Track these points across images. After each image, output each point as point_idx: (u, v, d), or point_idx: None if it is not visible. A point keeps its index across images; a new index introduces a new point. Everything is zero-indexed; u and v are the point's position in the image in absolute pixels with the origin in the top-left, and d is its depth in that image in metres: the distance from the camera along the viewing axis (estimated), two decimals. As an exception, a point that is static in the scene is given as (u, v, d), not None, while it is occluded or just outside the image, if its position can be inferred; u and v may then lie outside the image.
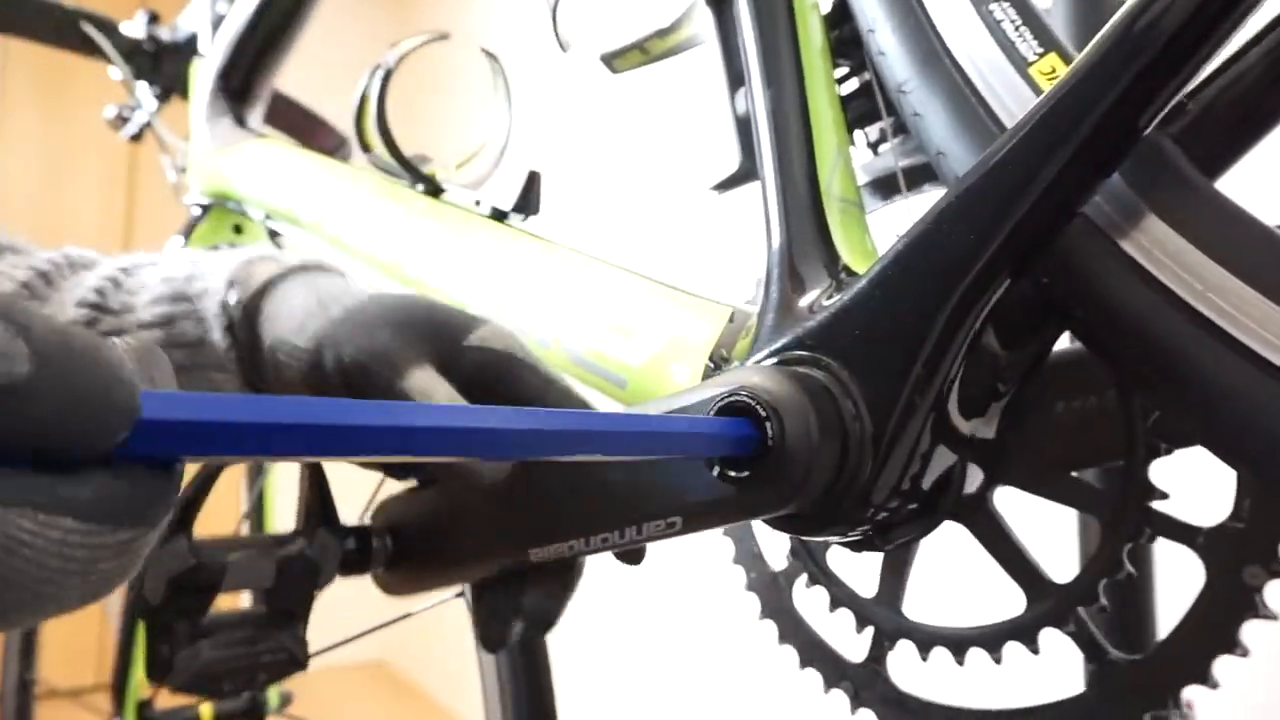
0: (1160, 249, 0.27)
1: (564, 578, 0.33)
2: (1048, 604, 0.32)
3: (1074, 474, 0.32)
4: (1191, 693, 0.30)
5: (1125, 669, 0.31)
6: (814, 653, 0.40)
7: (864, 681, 0.38)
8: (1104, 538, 0.31)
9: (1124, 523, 0.30)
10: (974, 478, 0.32)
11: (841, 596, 0.38)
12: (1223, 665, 0.29)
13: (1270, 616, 0.28)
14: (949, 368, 0.30)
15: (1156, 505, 0.30)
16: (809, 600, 0.41)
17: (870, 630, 0.38)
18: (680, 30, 0.55)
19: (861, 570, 0.35)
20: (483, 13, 2.49)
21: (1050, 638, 0.32)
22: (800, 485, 0.28)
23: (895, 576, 0.37)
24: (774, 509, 0.29)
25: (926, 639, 0.36)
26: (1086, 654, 0.32)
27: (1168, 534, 0.29)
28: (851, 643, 0.39)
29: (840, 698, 0.38)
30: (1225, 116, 0.29)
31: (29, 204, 2.59)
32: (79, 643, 2.32)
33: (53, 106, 2.65)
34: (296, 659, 0.36)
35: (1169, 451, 0.30)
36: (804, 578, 0.41)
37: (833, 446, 0.29)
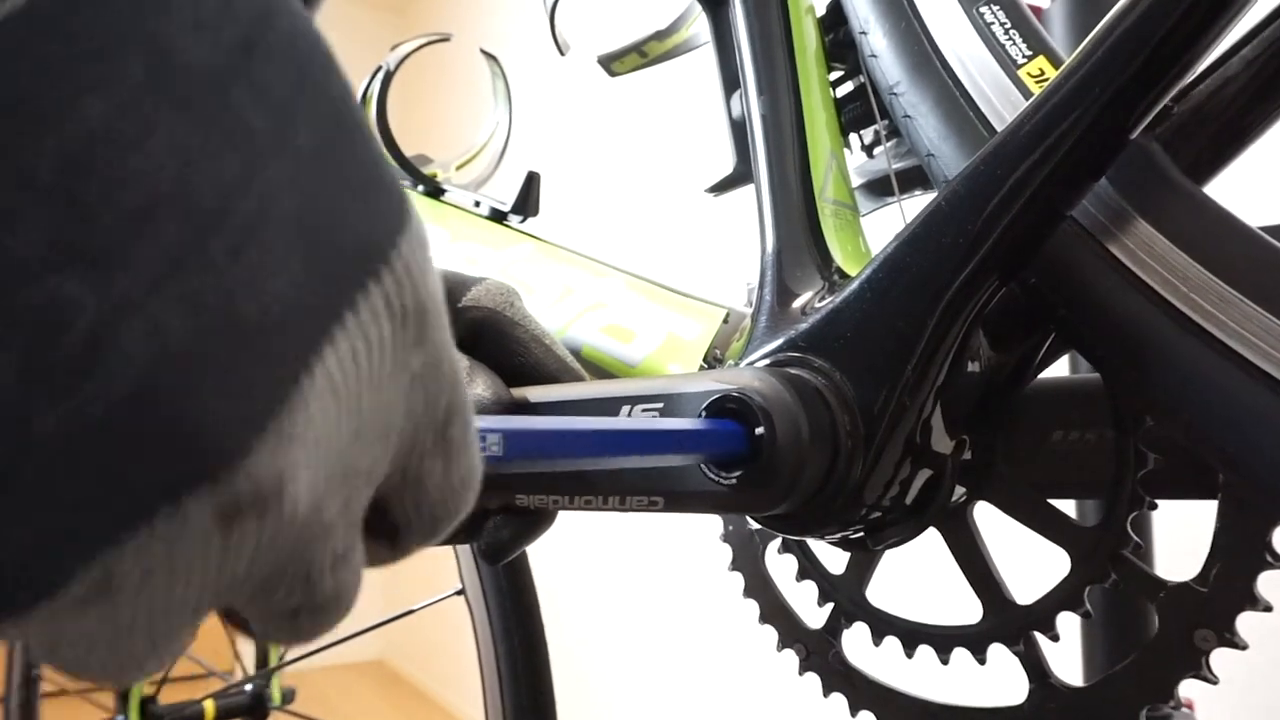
0: (1146, 251, 0.28)
1: (534, 524, 0.34)
2: (1002, 621, 0.33)
3: (1052, 504, 0.32)
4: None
5: (1064, 695, 0.32)
6: (775, 612, 0.41)
7: (816, 647, 0.39)
8: (1070, 573, 0.31)
9: (1092, 564, 0.31)
10: (957, 489, 0.33)
11: (810, 569, 0.39)
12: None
13: (1211, 680, 0.29)
14: (939, 370, 0.30)
15: (1126, 554, 0.30)
16: (779, 565, 0.42)
17: (831, 606, 0.38)
18: (677, 33, 0.56)
19: (836, 549, 0.35)
20: (483, 14, 2.49)
21: (998, 651, 0.33)
22: (790, 486, 0.29)
23: (864, 561, 0.38)
24: (764, 509, 0.30)
25: (881, 625, 0.36)
26: (1030, 674, 0.33)
27: (1131, 583, 0.30)
28: (812, 612, 0.40)
29: (809, 679, 0.39)
30: (1212, 121, 0.29)
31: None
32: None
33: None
34: None
35: (1153, 506, 0.30)
36: (778, 542, 0.42)
37: (824, 448, 0.30)
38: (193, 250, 0.11)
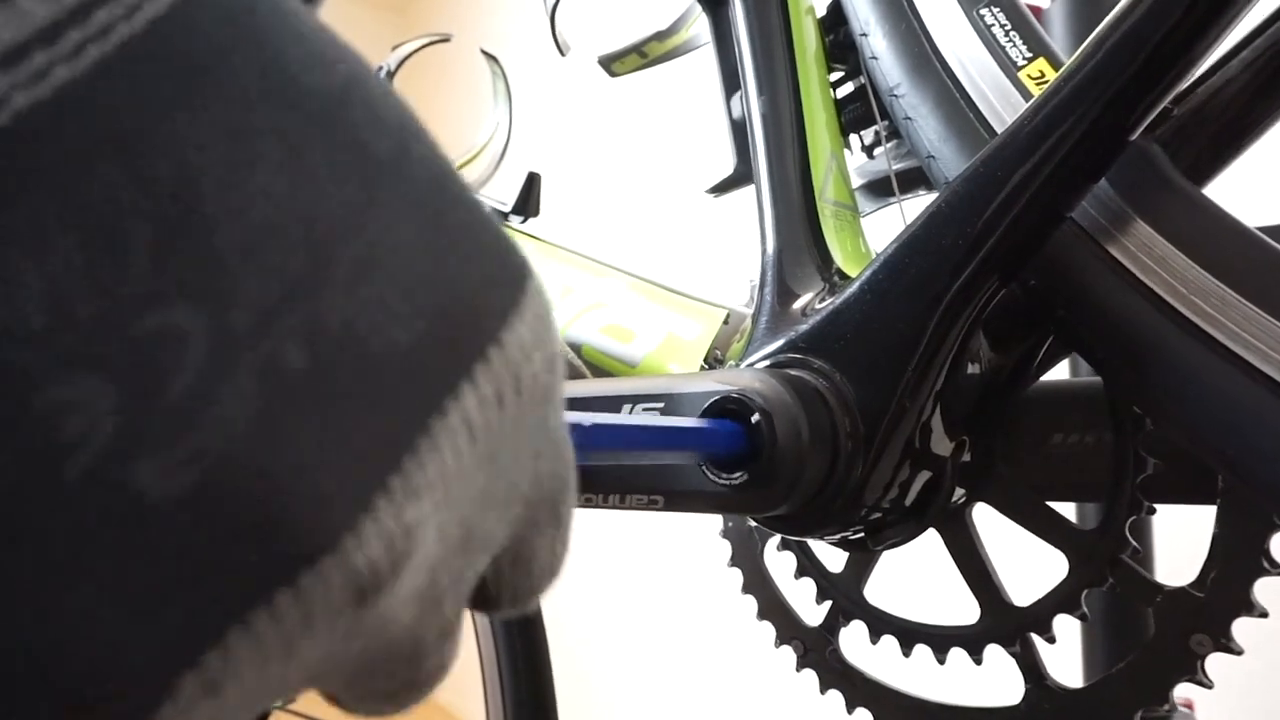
0: (1145, 252, 0.28)
1: None
2: (1000, 622, 0.33)
3: (1050, 506, 0.32)
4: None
5: (1060, 696, 0.32)
6: (773, 608, 0.41)
7: (814, 645, 0.39)
8: (1068, 576, 0.31)
9: (1090, 567, 0.31)
10: (957, 490, 0.33)
11: (809, 566, 0.39)
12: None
13: (1206, 685, 0.29)
14: (939, 371, 0.30)
15: (1124, 558, 0.30)
16: (778, 561, 0.42)
17: (829, 603, 0.38)
18: (677, 34, 0.56)
19: (835, 547, 0.36)
20: (483, 14, 2.49)
21: (995, 651, 0.33)
22: (791, 487, 0.29)
23: (863, 560, 0.38)
24: (764, 509, 0.30)
25: (879, 624, 0.36)
26: (1026, 675, 0.33)
27: (1129, 588, 0.30)
28: (810, 610, 0.40)
29: (808, 676, 0.39)
30: (1211, 122, 0.29)
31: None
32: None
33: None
34: None
35: (1151, 511, 0.30)
36: (777, 539, 0.42)
37: (824, 449, 0.30)
38: (312, 278, 0.10)
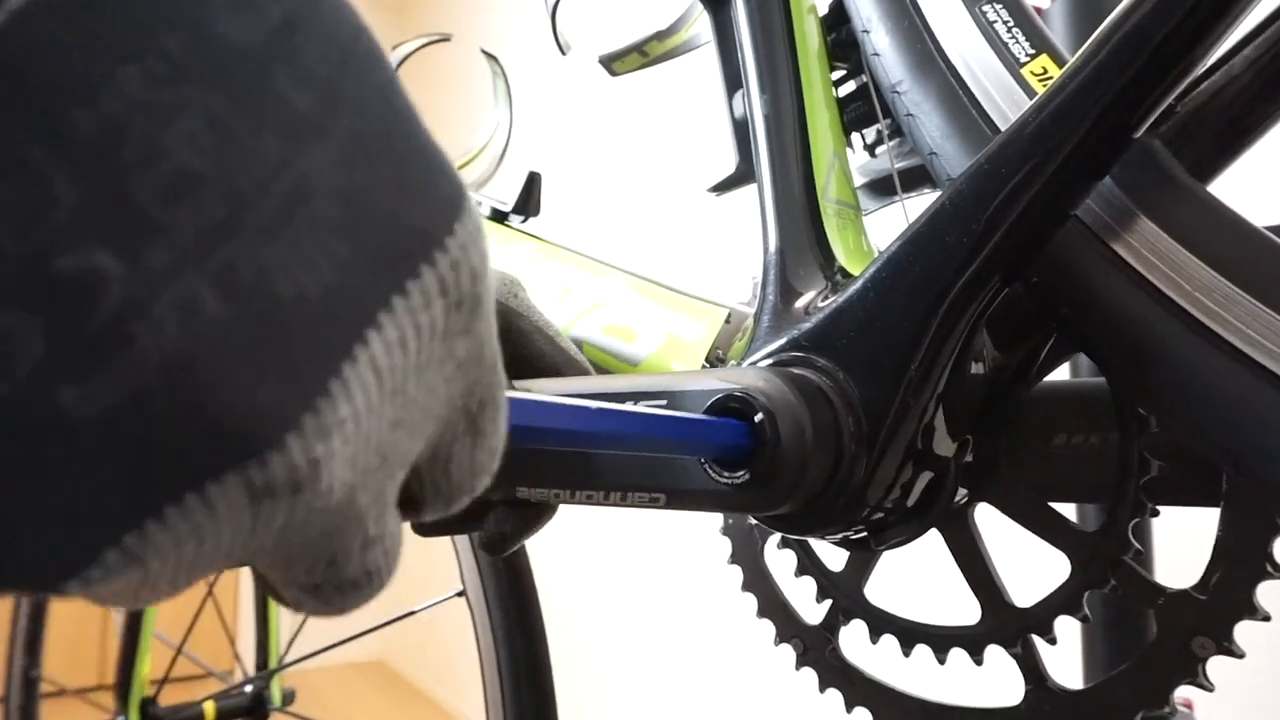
0: (1149, 249, 0.28)
1: (535, 517, 0.34)
2: (1001, 623, 0.33)
3: (1053, 507, 0.32)
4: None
5: (1060, 697, 0.32)
6: (773, 607, 0.41)
7: (813, 643, 0.39)
8: (1070, 577, 0.31)
9: (1092, 569, 0.30)
10: (959, 490, 0.33)
11: (809, 565, 0.39)
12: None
13: (1207, 687, 0.29)
14: (943, 369, 0.30)
15: (1127, 560, 0.30)
16: (778, 559, 0.42)
17: (829, 602, 0.38)
18: (679, 33, 0.56)
19: (836, 547, 0.36)
20: (483, 14, 2.49)
21: (995, 652, 0.33)
22: (793, 487, 0.28)
23: (863, 559, 0.38)
24: (766, 508, 0.30)
25: (879, 623, 0.36)
26: (1027, 676, 0.33)
27: (1131, 590, 0.30)
28: (810, 608, 0.40)
29: (807, 674, 0.39)
30: (1215, 120, 0.29)
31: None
32: (83, 642, 2.33)
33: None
34: None
35: (1155, 513, 0.30)
36: (778, 538, 0.42)
37: (827, 448, 0.29)
38: (227, 226, 0.11)
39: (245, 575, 2.35)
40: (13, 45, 0.10)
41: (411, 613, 0.73)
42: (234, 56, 0.11)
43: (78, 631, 2.29)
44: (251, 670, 0.93)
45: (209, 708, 0.86)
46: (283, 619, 0.98)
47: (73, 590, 0.11)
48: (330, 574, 0.15)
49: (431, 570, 1.33)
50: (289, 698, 0.92)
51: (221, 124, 0.11)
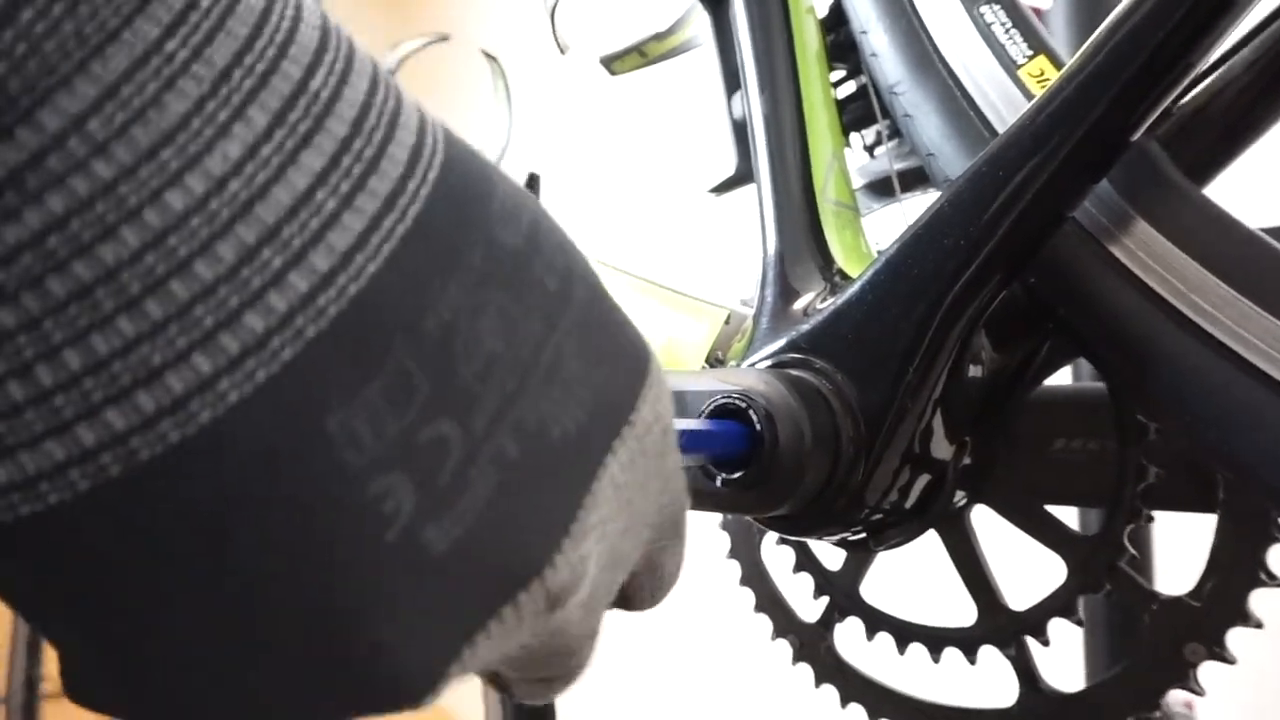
0: (1146, 251, 0.28)
1: None
2: (995, 625, 0.33)
3: (1050, 511, 0.32)
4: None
5: (1053, 700, 0.32)
6: (770, 603, 0.41)
7: (809, 640, 0.39)
8: (1065, 581, 0.31)
9: (1087, 573, 0.31)
10: (957, 492, 0.33)
11: (806, 562, 0.39)
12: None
13: (1197, 692, 0.29)
14: (941, 371, 0.30)
15: (1122, 565, 0.30)
16: (776, 555, 0.42)
17: (825, 600, 0.38)
18: (678, 33, 0.56)
19: (833, 546, 0.36)
20: (483, 14, 2.49)
21: (990, 653, 0.33)
22: (792, 488, 0.29)
23: (860, 557, 0.38)
24: (765, 510, 0.30)
25: (874, 622, 0.36)
26: (1020, 678, 0.33)
27: (1125, 595, 0.30)
28: (807, 605, 0.40)
29: (803, 669, 0.40)
30: (1212, 122, 0.29)
31: None
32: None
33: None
34: None
35: (1150, 519, 0.30)
36: (775, 534, 0.42)
37: (826, 450, 0.30)
38: (517, 392, 0.14)
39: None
40: (391, 279, 0.13)
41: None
42: (509, 258, 0.15)
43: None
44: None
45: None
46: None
47: (431, 697, 0.14)
48: (564, 666, 0.18)
49: (432, 570, 1.33)
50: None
51: (508, 314, 0.14)
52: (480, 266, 0.14)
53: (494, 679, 0.19)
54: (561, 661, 0.18)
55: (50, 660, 1.04)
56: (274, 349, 0.12)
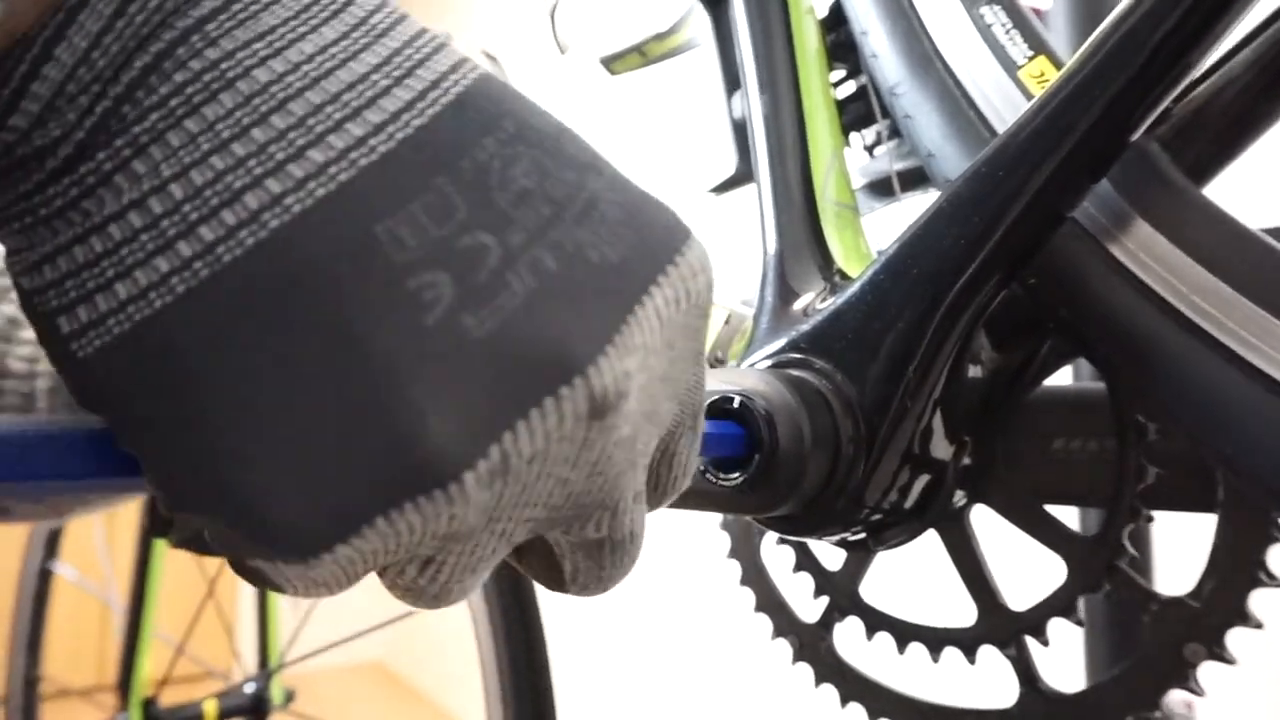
0: (1146, 252, 0.28)
1: None
2: (995, 625, 0.33)
3: (1049, 511, 0.32)
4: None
5: (1053, 700, 0.32)
6: (770, 602, 0.41)
7: (809, 640, 0.39)
8: (1065, 581, 0.31)
9: (1087, 573, 0.31)
10: (957, 492, 0.33)
11: (806, 562, 0.39)
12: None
13: (1198, 692, 0.29)
14: (941, 371, 0.30)
15: (1122, 565, 0.30)
16: (776, 554, 0.42)
17: (825, 599, 0.38)
18: (678, 33, 0.56)
19: (833, 546, 0.36)
20: (483, 14, 2.49)
21: (990, 653, 0.33)
22: (792, 488, 0.29)
23: (860, 557, 0.38)
24: (765, 510, 0.30)
25: (874, 622, 0.36)
26: (1020, 678, 0.33)
27: (1125, 595, 0.30)
28: (807, 604, 0.40)
29: (802, 669, 0.40)
30: (1212, 122, 0.29)
31: None
32: (83, 642, 2.33)
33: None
34: None
35: (1149, 519, 0.30)
36: (776, 535, 0.42)
37: (825, 450, 0.30)
38: (552, 219, 0.17)
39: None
40: (444, 123, 0.17)
41: (412, 612, 0.73)
42: (538, 131, 0.18)
43: (78, 632, 2.30)
44: (251, 669, 0.93)
45: (209, 706, 0.86)
46: (282, 619, 0.99)
47: (461, 487, 0.15)
48: (612, 527, 0.19)
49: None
50: (289, 697, 0.92)
51: (540, 164, 0.17)
52: (513, 131, 0.17)
53: (544, 567, 0.20)
54: (605, 519, 0.19)
55: (50, 660, 1.04)
56: (331, 174, 0.15)
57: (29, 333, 0.43)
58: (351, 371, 0.15)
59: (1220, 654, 0.28)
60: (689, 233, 0.19)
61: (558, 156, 0.18)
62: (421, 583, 0.18)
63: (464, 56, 0.18)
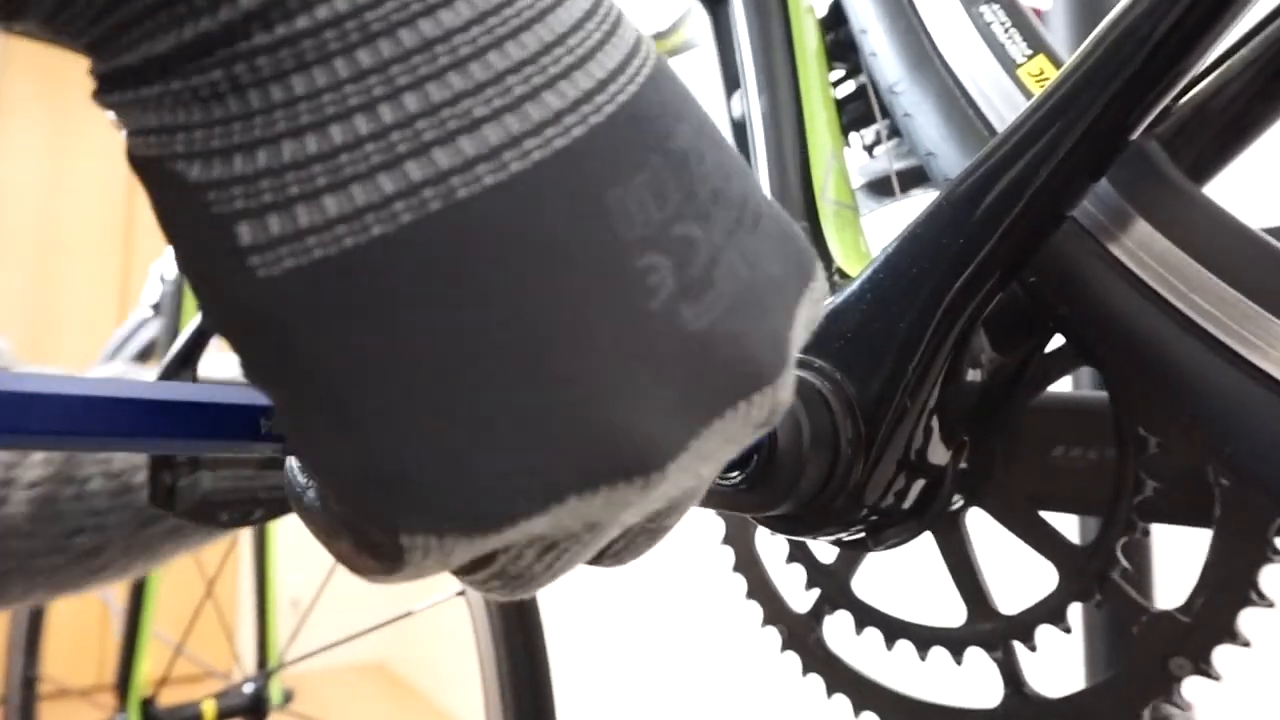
0: (1145, 251, 0.28)
1: None
2: (984, 628, 0.33)
3: (1045, 518, 0.32)
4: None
5: (1037, 704, 0.32)
6: (761, 591, 0.41)
7: (798, 630, 0.39)
8: (1056, 588, 0.31)
9: (1079, 582, 0.30)
10: (954, 493, 0.33)
11: (799, 554, 0.39)
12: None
13: (1182, 706, 0.29)
14: (940, 371, 0.30)
15: (1113, 576, 0.30)
16: (770, 544, 0.42)
17: (817, 592, 0.38)
18: (677, 33, 0.56)
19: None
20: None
21: (976, 654, 0.33)
22: (790, 488, 0.28)
23: (853, 553, 0.38)
24: (763, 509, 0.30)
25: (864, 616, 0.36)
26: (1005, 681, 0.32)
27: (1115, 605, 0.30)
28: (798, 595, 0.40)
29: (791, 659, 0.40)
30: (1212, 121, 0.29)
31: (29, 205, 2.60)
32: (82, 642, 2.33)
33: (53, 106, 2.65)
34: None
35: (1145, 533, 0.30)
36: None
37: (824, 450, 0.29)
38: (737, 224, 0.17)
39: (244, 575, 2.35)
40: (645, 101, 0.16)
41: (411, 613, 0.73)
42: (716, 131, 0.18)
43: (77, 631, 2.29)
44: (250, 669, 0.93)
45: (209, 706, 0.86)
46: (282, 619, 0.98)
47: (669, 473, 0.15)
48: (677, 516, 0.19)
49: (431, 570, 1.33)
50: (288, 697, 0.92)
51: (721, 163, 0.17)
52: (695, 121, 0.17)
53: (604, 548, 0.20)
54: (679, 511, 0.19)
55: (49, 660, 1.03)
56: (566, 125, 0.15)
57: None
58: (568, 341, 0.14)
59: (1206, 669, 0.28)
60: (816, 258, 0.20)
61: (728, 159, 0.17)
62: (536, 569, 0.17)
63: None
